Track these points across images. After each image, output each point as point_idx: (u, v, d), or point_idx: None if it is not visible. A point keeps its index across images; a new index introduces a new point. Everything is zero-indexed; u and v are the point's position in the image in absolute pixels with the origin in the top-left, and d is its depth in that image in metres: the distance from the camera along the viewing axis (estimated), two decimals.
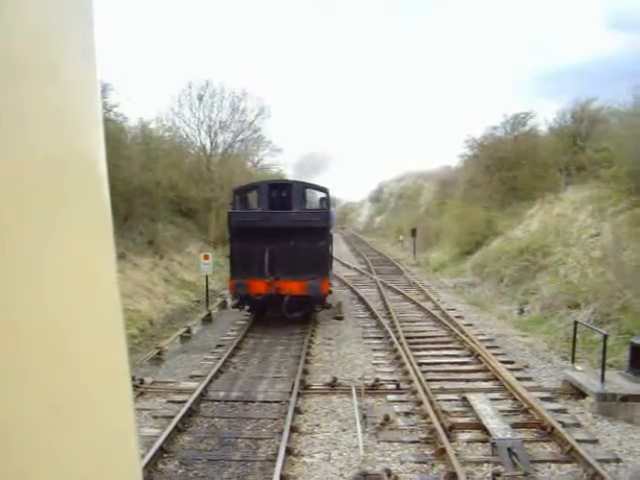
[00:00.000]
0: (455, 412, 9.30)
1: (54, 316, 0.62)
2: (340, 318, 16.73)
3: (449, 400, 9.81)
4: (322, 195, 17.17)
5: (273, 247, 14.82)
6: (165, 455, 7.80)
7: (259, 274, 14.88)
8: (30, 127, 0.60)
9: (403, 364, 11.65)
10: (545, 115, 62.82)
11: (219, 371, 11.48)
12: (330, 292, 16.37)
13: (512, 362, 12.13)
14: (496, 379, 10.83)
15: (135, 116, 40.81)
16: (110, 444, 0.72)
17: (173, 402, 9.75)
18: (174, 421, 8.58)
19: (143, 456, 7.20)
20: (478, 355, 12.29)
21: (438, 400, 9.54)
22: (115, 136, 21.89)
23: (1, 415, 0.54)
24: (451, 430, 8.42)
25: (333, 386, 10.55)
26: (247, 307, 16.22)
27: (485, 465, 7.48)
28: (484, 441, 8.13)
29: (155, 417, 9.17)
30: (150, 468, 7.24)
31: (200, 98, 38.05)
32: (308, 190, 17.22)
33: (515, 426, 8.53)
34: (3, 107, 0.57)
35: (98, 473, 0.69)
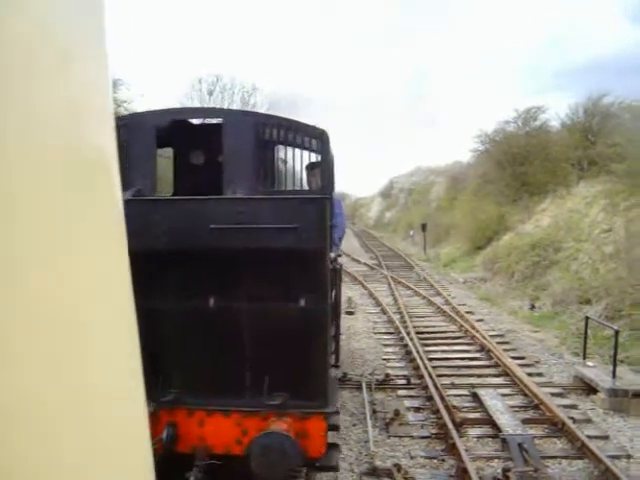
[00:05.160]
0: (465, 407, 9.27)
1: (67, 314, 0.62)
2: (351, 313, 16.71)
3: (459, 395, 9.78)
4: (314, 155, 5.93)
5: (155, 312, 4.69)
6: None
7: None
8: (42, 123, 0.60)
9: (413, 359, 11.63)
10: (559, 110, 62.26)
11: None
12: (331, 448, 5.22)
13: (523, 358, 12.08)
14: (507, 375, 10.80)
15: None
16: (123, 441, 0.73)
17: None
18: None
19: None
20: (489, 351, 12.25)
21: (448, 395, 9.51)
22: None
23: (17, 412, 0.54)
24: (461, 425, 8.40)
25: (343, 381, 10.54)
26: None
27: (495, 461, 7.46)
28: (494, 437, 8.11)
29: None
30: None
31: (210, 93, 38.03)
32: (279, 146, 6.19)
33: (526, 422, 8.50)
34: (14, 103, 0.57)
35: (111, 469, 0.69)
